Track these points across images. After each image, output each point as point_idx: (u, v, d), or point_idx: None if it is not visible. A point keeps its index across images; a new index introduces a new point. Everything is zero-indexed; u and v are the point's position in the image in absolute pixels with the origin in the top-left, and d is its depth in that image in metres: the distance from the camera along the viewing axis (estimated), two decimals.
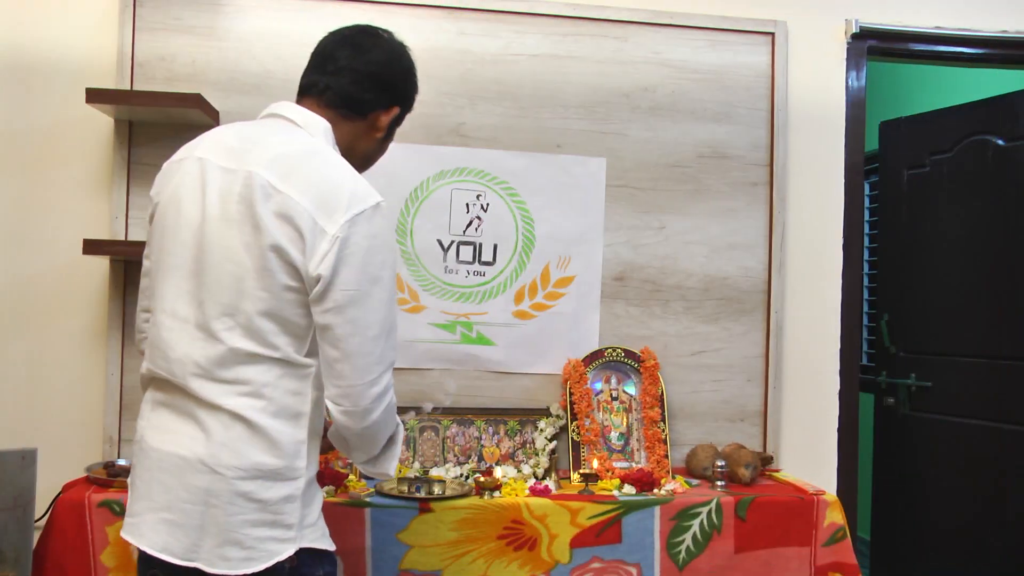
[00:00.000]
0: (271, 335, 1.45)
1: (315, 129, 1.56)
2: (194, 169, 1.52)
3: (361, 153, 1.66)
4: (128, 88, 2.54)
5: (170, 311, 1.50)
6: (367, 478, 2.48)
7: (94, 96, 2.37)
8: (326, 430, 1.62)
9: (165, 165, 1.62)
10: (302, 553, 1.50)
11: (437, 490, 2.30)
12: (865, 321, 4.27)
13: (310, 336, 1.48)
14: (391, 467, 1.63)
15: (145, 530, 1.47)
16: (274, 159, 1.47)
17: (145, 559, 1.51)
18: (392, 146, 2.60)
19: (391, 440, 1.61)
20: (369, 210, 1.44)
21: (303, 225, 1.40)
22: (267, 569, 1.45)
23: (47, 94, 2.57)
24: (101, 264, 2.56)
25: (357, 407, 1.48)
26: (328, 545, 1.56)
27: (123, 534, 1.52)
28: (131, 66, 2.56)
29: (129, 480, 1.57)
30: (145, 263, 1.64)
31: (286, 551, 1.47)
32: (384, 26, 2.75)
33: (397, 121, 1.71)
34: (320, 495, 1.58)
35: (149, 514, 1.47)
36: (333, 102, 1.60)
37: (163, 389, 1.53)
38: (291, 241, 1.41)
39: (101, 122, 2.56)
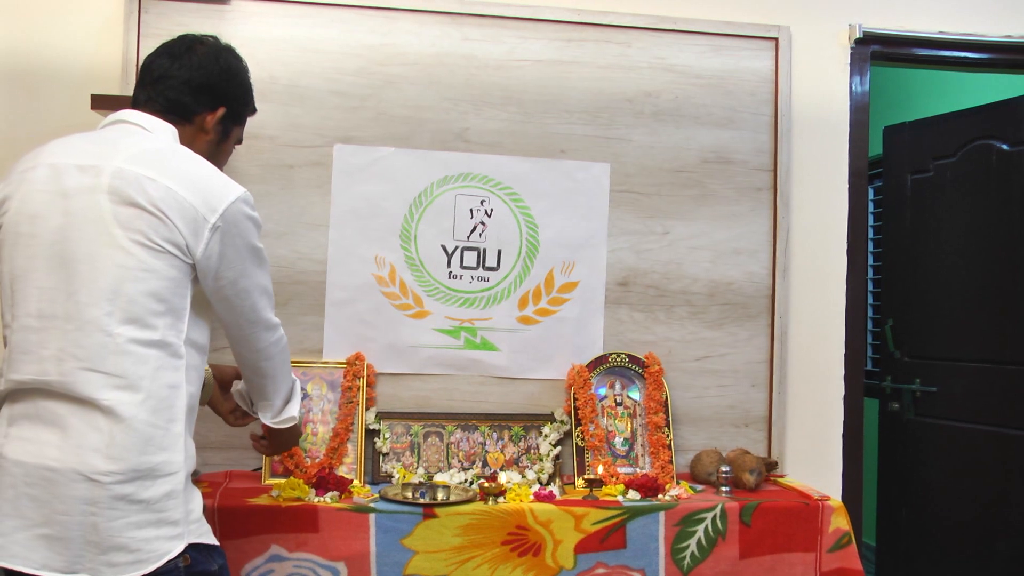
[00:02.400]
0: (151, 316, 1.49)
1: (162, 132, 1.63)
2: (44, 174, 1.54)
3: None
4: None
5: (35, 312, 1.49)
6: (371, 483, 2.49)
7: (99, 102, 2.38)
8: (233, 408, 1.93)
9: (7, 181, 1.61)
10: (192, 550, 1.50)
11: (441, 496, 2.30)
12: (869, 326, 4.26)
13: (186, 318, 1.54)
14: (294, 411, 1.84)
15: (18, 550, 1.42)
16: (139, 154, 1.53)
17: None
18: (396, 151, 2.66)
19: (291, 392, 1.83)
20: (239, 200, 1.56)
21: (185, 214, 1.50)
22: (157, 571, 1.44)
23: (52, 100, 2.58)
24: None
25: (256, 349, 1.68)
26: (214, 540, 1.58)
27: None
28: (136, 72, 2.55)
29: None
30: (3, 280, 1.57)
31: (175, 548, 1.47)
32: (383, 31, 2.78)
33: (230, 121, 1.75)
34: (198, 491, 1.60)
35: (20, 532, 1.43)
36: (158, 111, 1.65)
37: (25, 399, 1.49)
38: (174, 228, 1.49)
39: None
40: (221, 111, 1.72)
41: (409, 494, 2.29)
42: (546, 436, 2.64)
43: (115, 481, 1.42)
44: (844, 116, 2.95)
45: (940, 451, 3.42)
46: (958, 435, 3.35)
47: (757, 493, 2.49)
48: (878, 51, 2.98)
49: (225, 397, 1.97)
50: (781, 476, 2.72)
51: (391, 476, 2.51)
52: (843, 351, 2.93)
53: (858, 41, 2.94)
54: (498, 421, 2.65)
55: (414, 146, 2.67)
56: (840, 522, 2.40)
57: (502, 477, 2.43)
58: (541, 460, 2.61)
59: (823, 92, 2.93)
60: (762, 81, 2.86)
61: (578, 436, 2.62)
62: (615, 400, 2.71)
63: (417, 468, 2.56)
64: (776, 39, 2.86)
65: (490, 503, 2.28)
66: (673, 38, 2.81)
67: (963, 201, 3.36)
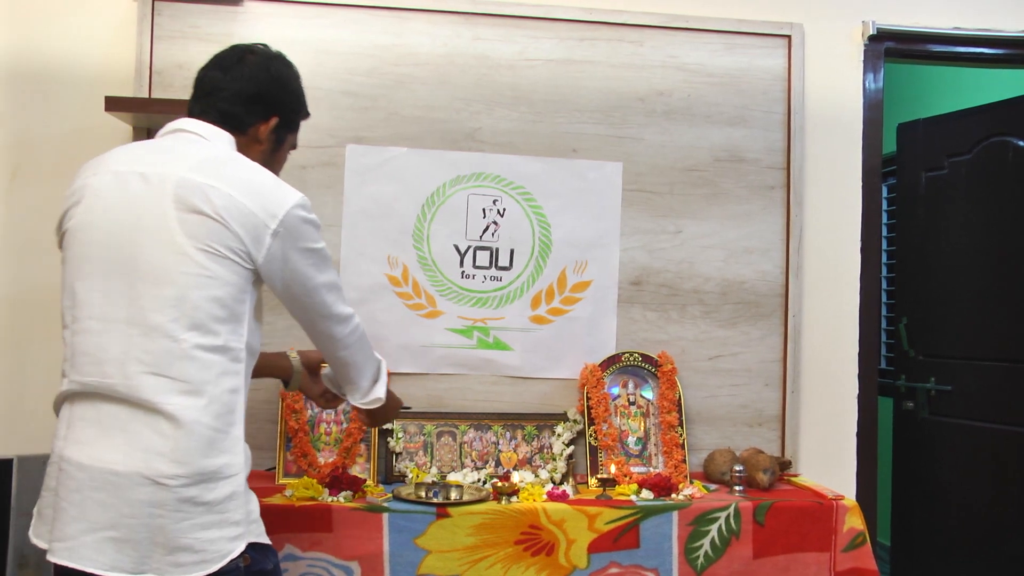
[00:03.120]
0: (215, 322, 1.51)
1: (220, 141, 1.66)
2: (108, 182, 1.57)
3: None
4: (146, 96, 2.56)
5: (98, 315, 1.51)
6: (384, 483, 2.49)
7: (113, 104, 2.39)
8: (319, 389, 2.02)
9: (72, 189, 1.63)
10: (251, 549, 1.54)
11: (455, 495, 2.30)
12: (883, 324, 4.23)
13: (247, 323, 1.57)
14: (381, 392, 1.88)
15: (87, 552, 1.45)
16: (201, 163, 1.56)
17: None
18: (408, 152, 2.67)
19: (377, 373, 1.87)
20: (297, 205, 1.59)
21: (246, 221, 1.52)
22: (221, 570, 1.47)
23: (66, 103, 2.60)
24: None
25: (333, 341, 1.73)
26: (268, 540, 1.62)
27: (55, 559, 1.48)
28: (149, 74, 2.57)
29: (47, 502, 1.54)
30: (65, 283, 1.60)
31: (237, 548, 1.50)
32: (395, 31, 2.78)
33: (283, 129, 1.77)
34: (254, 494, 1.62)
35: (88, 535, 1.46)
36: (213, 121, 1.67)
37: (85, 401, 1.52)
38: (235, 235, 1.52)
39: (120, 130, 2.58)
40: (274, 121, 1.73)
41: (422, 494, 2.29)
42: (559, 435, 2.64)
43: (180, 484, 1.46)
44: (857, 114, 2.93)
45: (955, 450, 3.40)
46: (973, 434, 3.33)
47: (771, 492, 2.48)
48: (892, 48, 2.97)
49: (314, 381, 2.06)
50: (795, 475, 2.72)
51: (404, 476, 2.52)
52: (857, 350, 2.92)
53: (871, 38, 2.92)
54: (511, 421, 2.65)
55: (426, 146, 2.67)
56: (854, 522, 2.39)
57: (515, 476, 2.43)
58: (554, 459, 2.61)
59: (836, 90, 2.92)
60: (775, 79, 2.85)
61: (591, 435, 2.62)
62: (628, 399, 2.71)
63: (430, 468, 2.57)
64: (789, 37, 2.85)
65: (503, 503, 2.28)
66: (686, 36, 2.81)
67: (978, 199, 3.34)
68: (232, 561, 1.49)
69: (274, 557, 1.64)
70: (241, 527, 1.52)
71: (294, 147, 1.85)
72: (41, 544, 1.53)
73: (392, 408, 2.00)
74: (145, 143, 1.67)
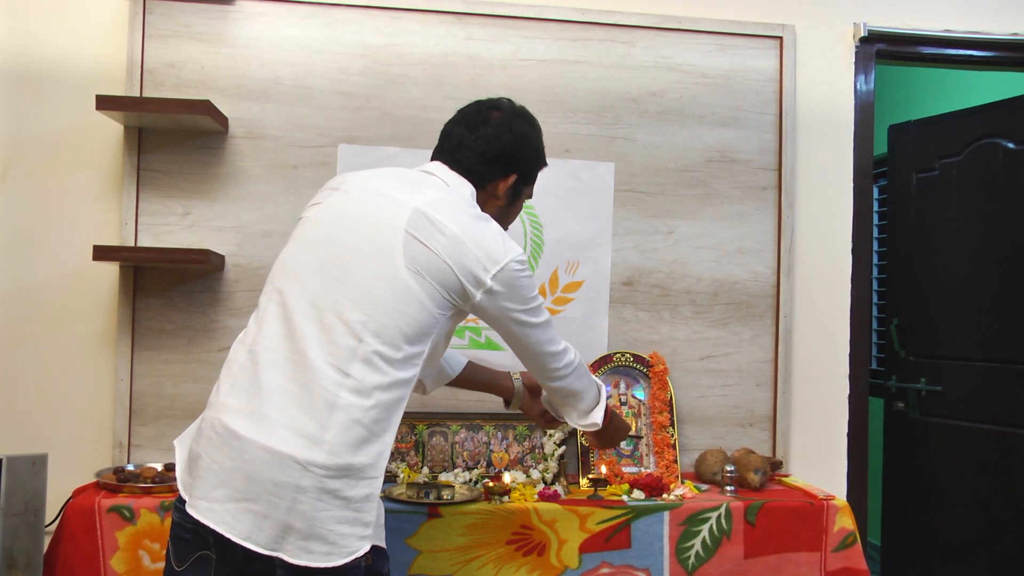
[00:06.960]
0: (400, 337, 1.58)
1: (459, 188, 1.76)
2: (355, 192, 1.69)
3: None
4: (138, 95, 2.55)
5: (299, 296, 1.60)
6: None
7: (104, 103, 2.39)
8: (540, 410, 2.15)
9: (327, 186, 1.77)
10: (373, 551, 1.59)
11: (446, 495, 2.30)
12: (875, 325, 4.25)
13: (429, 344, 1.65)
14: (598, 417, 1.96)
15: (227, 517, 1.50)
16: (437, 201, 1.66)
17: (205, 536, 1.54)
18: (400, 151, 2.67)
19: (596, 399, 1.96)
20: (514, 260, 1.67)
21: (466, 262, 1.62)
22: (345, 565, 1.52)
23: (58, 101, 2.59)
24: (111, 270, 2.57)
25: (546, 373, 1.83)
26: (385, 545, 1.69)
27: (195, 514, 1.52)
28: (140, 73, 2.57)
29: (195, 454, 1.58)
30: (282, 255, 1.71)
31: (363, 548, 1.55)
32: (388, 31, 2.77)
33: (521, 185, 1.87)
34: (381, 502, 1.68)
35: (231, 503, 1.50)
36: (458, 172, 1.79)
37: (258, 367, 1.56)
38: (451, 272, 1.61)
39: (111, 129, 2.57)
40: (513, 178, 1.83)
41: (414, 494, 2.29)
42: (550, 436, 2.64)
43: (328, 475, 1.50)
44: (849, 115, 2.94)
45: (945, 450, 3.41)
46: (963, 434, 3.34)
47: (762, 493, 2.48)
48: (883, 50, 2.98)
49: (534, 402, 2.17)
50: (786, 476, 2.72)
51: (396, 476, 2.52)
52: (848, 350, 2.93)
53: (863, 40, 2.94)
54: (502, 421, 2.65)
55: (418, 146, 2.66)
56: (845, 522, 2.39)
57: (506, 477, 2.43)
58: (545, 459, 2.61)
59: (828, 91, 2.93)
60: (767, 80, 2.86)
61: (582, 435, 2.62)
62: (620, 400, 2.71)
63: (422, 468, 2.56)
64: (781, 38, 2.86)
65: (495, 503, 2.28)
66: (678, 37, 2.81)
67: (969, 200, 3.35)
68: (357, 559, 1.53)
69: (387, 562, 1.69)
70: (370, 528, 1.57)
71: (529, 196, 1.94)
72: (183, 493, 1.58)
73: (618, 432, 2.08)
74: (397, 171, 1.78)
